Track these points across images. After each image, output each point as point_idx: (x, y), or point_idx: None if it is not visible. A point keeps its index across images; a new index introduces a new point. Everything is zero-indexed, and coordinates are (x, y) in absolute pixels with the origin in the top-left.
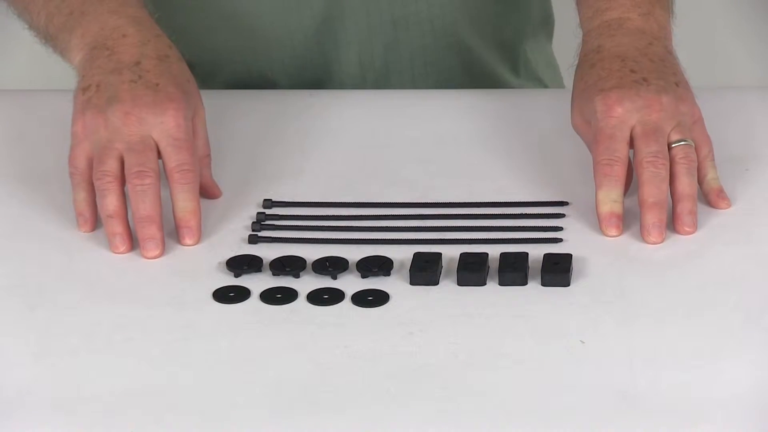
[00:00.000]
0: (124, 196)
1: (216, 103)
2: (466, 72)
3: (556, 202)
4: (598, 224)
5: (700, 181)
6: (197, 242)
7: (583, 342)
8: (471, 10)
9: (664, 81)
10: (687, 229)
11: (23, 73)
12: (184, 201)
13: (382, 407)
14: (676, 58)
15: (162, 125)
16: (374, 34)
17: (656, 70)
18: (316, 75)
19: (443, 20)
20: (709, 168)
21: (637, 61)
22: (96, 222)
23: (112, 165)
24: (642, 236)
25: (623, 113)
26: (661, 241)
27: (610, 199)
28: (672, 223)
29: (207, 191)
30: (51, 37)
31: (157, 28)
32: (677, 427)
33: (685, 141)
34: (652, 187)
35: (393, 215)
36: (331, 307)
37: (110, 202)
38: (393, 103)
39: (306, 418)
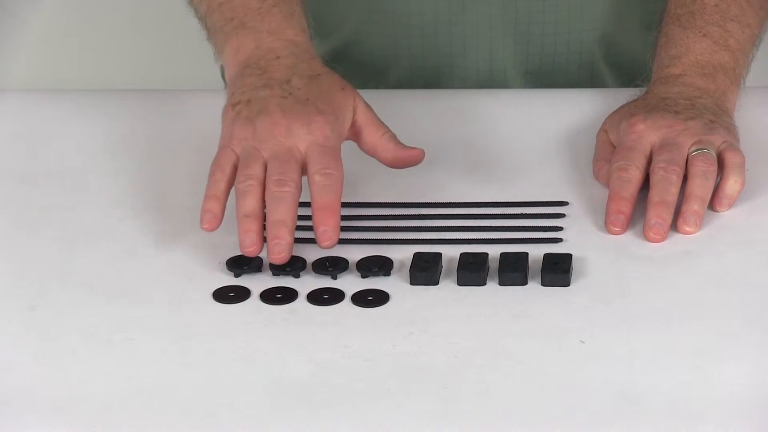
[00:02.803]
0: (263, 202)
1: (216, 103)
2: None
3: (556, 202)
4: (604, 220)
5: (718, 186)
6: (332, 244)
7: (583, 342)
8: (604, 39)
9: (696, 114)
10: (687, 228)
11: (23, 73)
12: (320, 201)
13: (382, 407)
14: (729, 114)
15: (309, 136)
16: (506, 34)
17: (693, 109)
18: (437, 64)
19: (579, 36)
20: (731, 175)
21: (677, 102)
22: (220, 222)
23: (256, 170)
24: (644, 234)
25: (644, 129)
26: (662, 240)
27: (620, 196)
28: (675, 222)
29: (408, 158)
30: (206, 29)
31: (312, 52)
32: (677, 427)
33: (704, 149)
34: (659, 188)
35: (393, 215)
36: (331, 307)
37: (249, 202)
38: (392, 103)
39: (306, 418)
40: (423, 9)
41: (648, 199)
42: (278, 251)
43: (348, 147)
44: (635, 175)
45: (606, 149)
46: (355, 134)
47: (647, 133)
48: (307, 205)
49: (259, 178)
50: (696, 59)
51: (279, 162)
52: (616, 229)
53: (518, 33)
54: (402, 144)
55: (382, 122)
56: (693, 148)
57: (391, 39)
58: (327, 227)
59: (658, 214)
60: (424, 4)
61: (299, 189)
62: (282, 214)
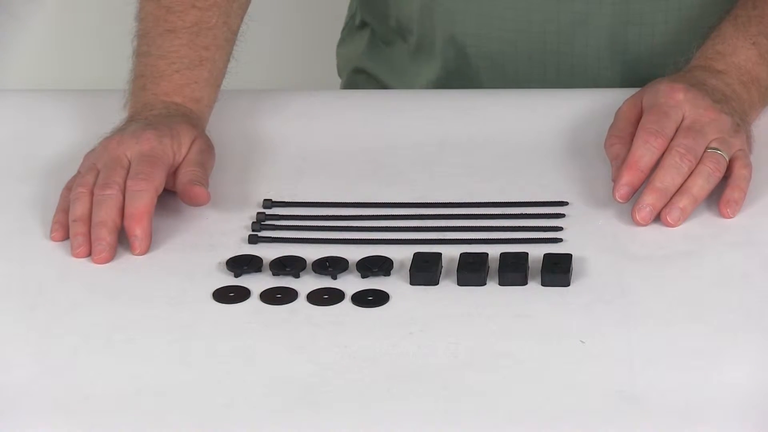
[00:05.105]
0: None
1: (217, 103)
2: None
3: (556, 202)
4: (613, 183)
5: (724, 193)
6: (142, 252)
7: (583, 342)
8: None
9: (729, 111)
10: (669, 219)
11: (23, 73)
12: (129, 207)
13: (382, 407)
14: (750, 127)
15: (136, 146)
16: (614, 63)
17: (727, 103)
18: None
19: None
20: (737, 187)
21: (714, 93)
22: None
23: (88, 179)
24: (632, 212)
25: (683, 100)
26: (646, 224)
27: (637, 166)
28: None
29: (192, 195)
30: (130, 70)
31: (191, 116)
32: (677, 427)
33: (720, 151)
34: (666, 174)
35: (393, 215)
36: (331, 307)
37: (77, 208)
38: (393, 103)
39: (306, 418)
40: (531, 36)
41: (651, 178)
42: (99, 251)
43: (348, 145)
44: (661, 146)
45: (625, 126)
46: (178, 165)
47: (684, 105)
48: (305, 205)
49: (89, 186)
50: (739, 63)
51: (106, 169)
52: (621, 200)
53: (626, 62)
54: (199, 183)
55: (204, 165)
56: (713, 145)
57: (499, 63)
58: (135, 236)
59: (654, 200)
60: (532, 32)
61: (122, 192)
62: (102, 215)
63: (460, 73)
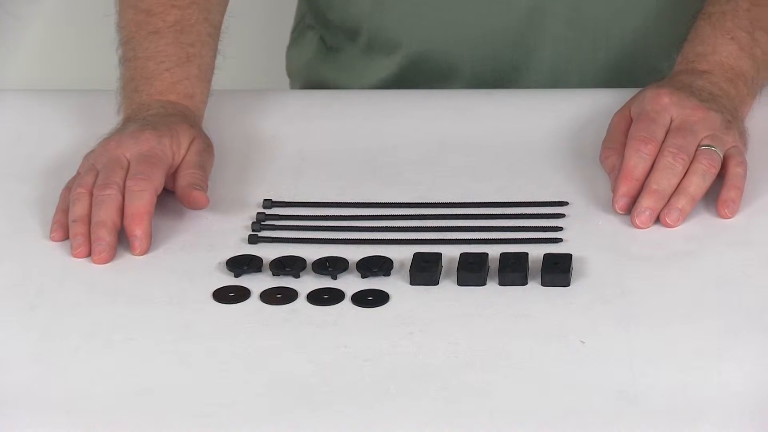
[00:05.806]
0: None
1: (216, 103)
2: None
3: (556, 202)
4: (612, 195)
5: (720, 193)
6: (142, 252)
7: (583, 342)
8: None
9: (718, 108)
10: (668, 220)
11: (23, 73)
12: (129, 207)
13: (382, 407)
14: (742, 122)
15: (136, 146)
16: (571, 59)
17: (715, 102)
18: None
19: (658, 51)
20: (733, 187)
21: (701, 93)
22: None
23: (87, 180)
24: (631, 217)
25: (669, 104)
26: (646, 228)
27: (632, 176)
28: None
29: (191, 199)
30: (119, 77)
31: (186, 113)
32: (677, 427)
33: (713, 147)
34: (661, 175)
35: (393, 215)
36: (331, 307)
37: (77, 209)
38: (393, 103)
39: (306, 417)
40: (485, 30)
41: (647, 181)
42: (98, 251)
43: (348, 145)
44: (652, 151)
45: (617, 138)
46: (177, 166)
47: (671, 108)
48: (305, 205)
49: (89, 186)
50: (721, 61)
51: (105, 170)
52: (621, 211)
53: (584, 53)
54: (198, 188)
55: (203, 167)
56: (705, 142)
57: (457, 52)
58: (135, 236)
59: (652, 203)
60: (486, 25)
61: (122, 192)
62: (102, 215)
63: (417, 71)
